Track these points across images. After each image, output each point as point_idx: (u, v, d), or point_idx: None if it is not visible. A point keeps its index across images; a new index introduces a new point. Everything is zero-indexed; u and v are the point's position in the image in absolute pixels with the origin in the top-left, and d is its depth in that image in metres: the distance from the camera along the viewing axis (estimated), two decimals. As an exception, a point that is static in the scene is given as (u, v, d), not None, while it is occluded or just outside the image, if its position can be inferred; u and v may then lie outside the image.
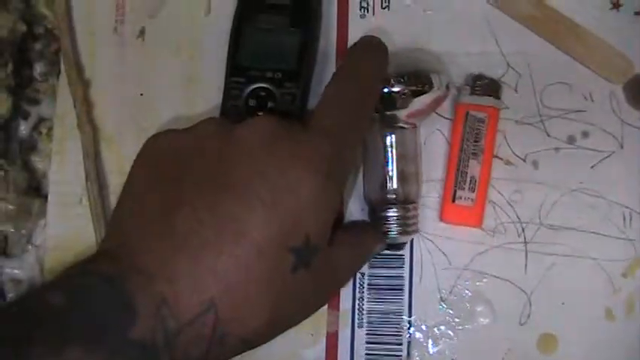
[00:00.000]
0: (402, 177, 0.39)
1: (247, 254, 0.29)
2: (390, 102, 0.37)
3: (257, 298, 0.30)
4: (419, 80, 0.37)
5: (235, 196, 0.30)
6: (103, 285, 0.28)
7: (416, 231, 0.39)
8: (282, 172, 0.30)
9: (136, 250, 0.30)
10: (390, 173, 0.39)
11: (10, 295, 0.43)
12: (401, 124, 0.39)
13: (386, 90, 0.37)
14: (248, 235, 0.29)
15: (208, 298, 0.29)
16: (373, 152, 0.39)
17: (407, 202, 0.39)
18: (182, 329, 0.28)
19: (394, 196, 0.39)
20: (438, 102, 0.39)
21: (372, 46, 0.37)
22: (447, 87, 0.39)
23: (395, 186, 0.39)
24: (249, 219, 0.29)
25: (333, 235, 0.33)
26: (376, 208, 0.39)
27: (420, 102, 0.38)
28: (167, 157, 0.33)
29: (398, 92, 0.37)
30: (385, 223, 0.39)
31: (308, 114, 0.38)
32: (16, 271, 0.43)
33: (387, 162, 0.39)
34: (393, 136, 0.39)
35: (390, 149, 0.39)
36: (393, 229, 0.39)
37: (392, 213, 0.39)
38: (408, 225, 0.39)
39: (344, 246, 0.35)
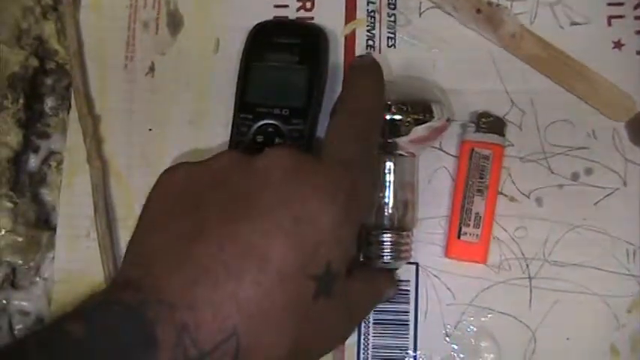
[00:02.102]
0: (398, 204, 0.39)
1: (269, 282, 0.29)
2: (390, 129, 0.38)
3: (279, 326, 0.30)
4: (420, 109, 0.38)
5: (257, 225, 0.30)
6: (124, 315, 0.28)
7: (408, 258, 0.40)
8: (303, 202, 0.31)
9: (158, 279, 0.30)
10: (387, 199, 0.39)
11: (19, 327, 0.43)
12: (400, 152, 0.39)
13: (387, 117, 0.38)
14: (270, 263, 0.30)
15: (231, 326, 0.29)
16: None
17: (401, 228, 0.39)
18: (204, 358, 0.28)
19: (389, 222, 0.39)
20: (437, 132, 0.40)
21: (369, 69, 0.37)
22: (448, 119, 0.39)
23: (390, 212, 0.39)
24: (271, 247, 0.30)
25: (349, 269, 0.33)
26: (371, 232, 0.40)
27: (420, 131, 0.38)
28: (186, 189, 0.33)
29: (398, 120, 0.38)
30: (379, 248, 0.39)
31: (318, 147, 0.38)
32: (23, 303, 0.43)
33: (385, 188, 0.39)
34: (392, 163, 0.39)
35: (387, 176, 0.39)
36: (386, 254, 0.39)
37: (386, 238, 0.39)
38: (400, 251, 0.39)
39: (358, 281, 0.36)
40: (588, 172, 0.41)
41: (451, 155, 0.42)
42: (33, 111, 0.45)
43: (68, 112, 0.45)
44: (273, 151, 0.33)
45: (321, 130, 0.41)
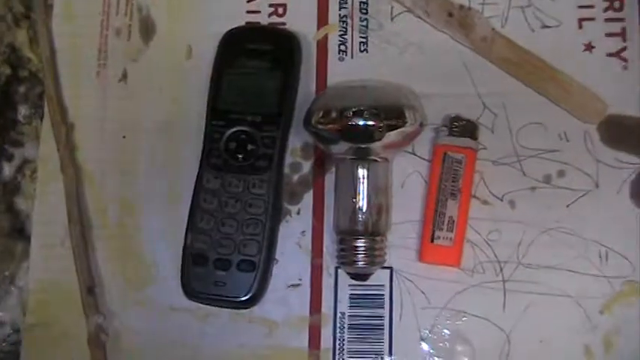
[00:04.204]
0: (371, 209, 0.39)
1: None
2: (364, 135, 0.38)
3: None
4: (393, 115, 0.38)
5: None
6: None
7: (382, 262, 0.40)
8: None
9: None
10: (360, 205, 0.39)
11: (-7, 337, 0.43)
12: (373, 157, 0.39)
13: (361, 123, 0.37)
14: None
15: None
16: (344, 183, 0.40)
17: (375, 233, 0.39)
18: None
19: (363, 228, 0.39)
20: (410, 137, 0.40)
21: None
22: (421, 124, 0.39)
23: (364, 218, 0.39)
24: None
25: None
26: (345, 238, 0.40)
27: (393, 136, 0.38)
28: None
29: (372, 126, 0.38)
30: (353, 253, 0.39)
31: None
32: (-2, 313, 0.43)
33: (358, 194, 0.39)
34: (365, 168, 0.39)
35: (361, 181, 0.39)
36: (360, 260, 0.39)
37: (360, 243, 0.39)
38: (375, 256, 0.39)
39: None
40: (560, 174, 0.41)
41: (424, 159, 0.42)
42: (6, 119, 0.45)
43: (41, 120, 0.44)
44: None
45: (293, 137, 0.42)
